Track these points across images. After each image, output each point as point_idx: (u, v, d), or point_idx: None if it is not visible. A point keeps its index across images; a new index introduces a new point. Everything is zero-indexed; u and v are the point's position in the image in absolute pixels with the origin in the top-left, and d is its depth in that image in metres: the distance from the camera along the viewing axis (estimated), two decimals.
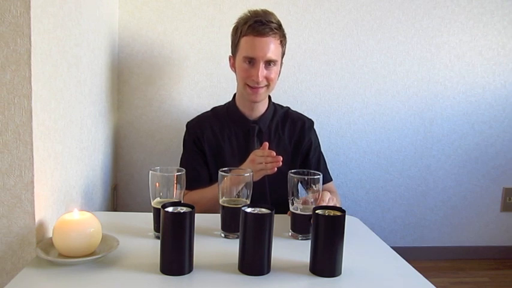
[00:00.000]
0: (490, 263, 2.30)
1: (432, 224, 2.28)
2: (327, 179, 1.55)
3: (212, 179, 1.47)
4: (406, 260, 1.04)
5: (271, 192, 1.44)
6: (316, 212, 0.95)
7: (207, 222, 1.18)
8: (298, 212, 1.12)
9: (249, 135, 1.50)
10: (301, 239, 1.12)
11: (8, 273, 0.98)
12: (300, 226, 1.13)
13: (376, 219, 2.21)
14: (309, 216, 1.06)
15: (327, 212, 0.96)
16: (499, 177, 2.28)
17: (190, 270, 0.91)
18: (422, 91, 2.14)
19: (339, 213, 0.95)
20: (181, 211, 0.91)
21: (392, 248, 1.12)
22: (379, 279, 0.95)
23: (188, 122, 1.59)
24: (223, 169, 1.13)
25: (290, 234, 1.15)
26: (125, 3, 1.87)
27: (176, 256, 0.90)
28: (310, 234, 1.07)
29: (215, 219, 1.15)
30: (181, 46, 1.93)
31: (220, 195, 1.12)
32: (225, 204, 1.11)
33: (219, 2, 1.92)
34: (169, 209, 0.91)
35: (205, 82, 1.96)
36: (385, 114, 2.13)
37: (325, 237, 0.93)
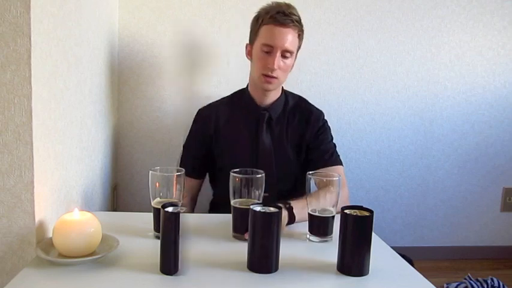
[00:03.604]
0: (490, 263, 2.30)
1: (432, 223, 2.28)
2: (334, 162, 1.54)
3: (215, 164, 1.55)
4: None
5: (279, 180, 1.47)
6: (345, 211, 0.96)
7: (217, 223, 1.20)
8: (317, 214, 1.12)
9: (258, 121, 1.52)
10: (320, 242, 1.12)
11: (8, 273, 0.98)
12: (317, 228, 1.12)
13: (376, 219, 2.19)
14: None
15: (354, 212, 0.97)
16: (499, 177, 2.28)
17: (177, 270, 0.91)
18: (422, 91, 2.13)
19: (367, 214, 0.96)
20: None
21: (392, 248, 1.12)
22: (379, 279, 0.95)
23: (199, 109, 1.62)
24: (235, 170, 1.13)
25: (308, 236, 1.14)
26: (125, 3, 1.87)
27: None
28: (329, 237, 1.11)
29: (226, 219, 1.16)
30: (181, 46, 1.93)
31: (231, 196, 1.12)
32: (236, 205, 1.11)
33: (219, 2, 1.92)
34: (169, 209, 0.92)
35: (206, 82, 1.96)
36: (385, 114, 2.13)
37: (353, 237, 0.94)
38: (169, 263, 0.89)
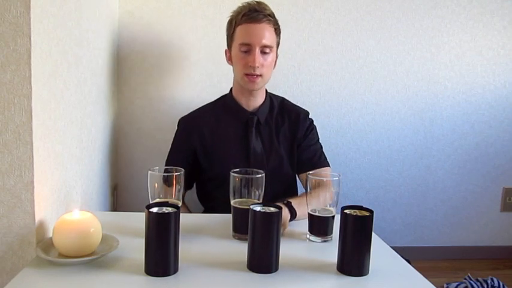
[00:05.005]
0: (490, 263, 2.30)
1: (432, 223, 2.28)
2: (323, 164, 1.54)
3: (201, 177, 1.53)
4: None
5: (271, 183, 1.45)
6: (345, 211, 0.96)
7: (217, 223, 1.19)
8: (317, 214, 1.12)
9: (247, 126, 1.50)
10: (322, 242, 1.12)
11: (8, 273, 0.98)
12: (317, 228, 1.12)
13: (376, 219, 2.19)
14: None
15: (354, 212, 0.97)
16: (499, 177, 2.28)
17: (175, 270, 0.91)
18: (422, 91, 2.13)
19: (367, 214, 0.96)
20: (166, 211, 0.91)
21: (392, 248, 1.12)
22: (379, 279, 0.95)
23: (181, 118, 1.59)
24: (235, 170, 1.13)
25: (307, 236, 1.14)
26: (125, 3, 1.87)
27: (161, 256, 0.90)
28: (329, 237, 1.11)
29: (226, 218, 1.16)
30: (181, 46, 1.93)
31: (231, 196, 1.12)
32: (236, 205, 1.11)
33: (219, 2, 1.92)
34: (154, 210, 0.92)
35: (205, 82, 1.96)
36: (385, 114, 2.13)
37: (353, 237, 0.94)
38: (152, 264, 0.90)
